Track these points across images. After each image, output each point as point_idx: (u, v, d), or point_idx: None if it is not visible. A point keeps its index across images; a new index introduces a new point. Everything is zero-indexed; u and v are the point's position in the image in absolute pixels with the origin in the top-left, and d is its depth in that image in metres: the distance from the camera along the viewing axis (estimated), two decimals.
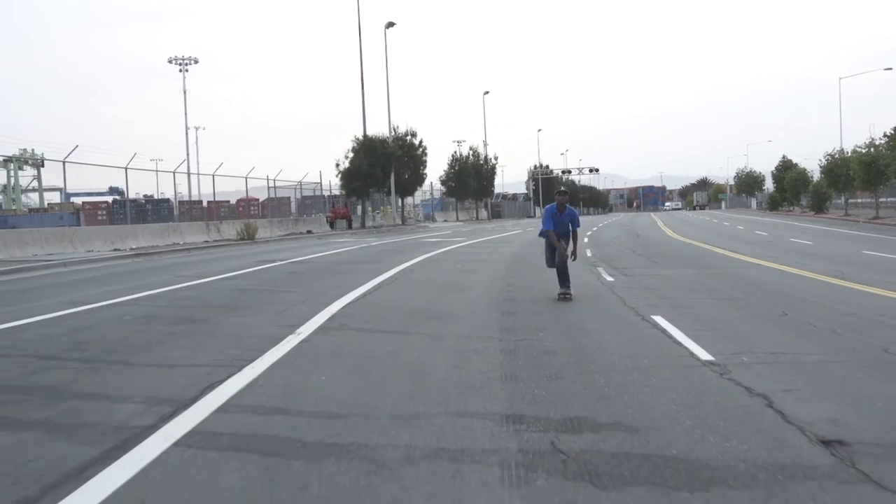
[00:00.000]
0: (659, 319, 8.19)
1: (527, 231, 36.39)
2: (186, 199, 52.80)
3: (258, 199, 55.81)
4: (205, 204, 47.62)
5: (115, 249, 22.39)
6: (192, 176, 56.24)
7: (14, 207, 56.72)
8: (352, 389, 5.25)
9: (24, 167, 62.62)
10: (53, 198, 58.54)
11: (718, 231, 33.76)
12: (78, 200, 58.12)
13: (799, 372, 5.70)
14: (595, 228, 39.57)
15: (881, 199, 44.84)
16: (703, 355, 6.26)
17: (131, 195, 53.17)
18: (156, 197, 54.11)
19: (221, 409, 4.74)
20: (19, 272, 15.54)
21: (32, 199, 63.91)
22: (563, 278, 10.01)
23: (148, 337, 7.49)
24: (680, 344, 6.82)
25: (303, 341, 7.12)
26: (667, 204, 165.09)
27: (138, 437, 4.17)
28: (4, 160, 56.39)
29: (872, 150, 41.35)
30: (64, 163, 26.37)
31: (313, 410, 4.73)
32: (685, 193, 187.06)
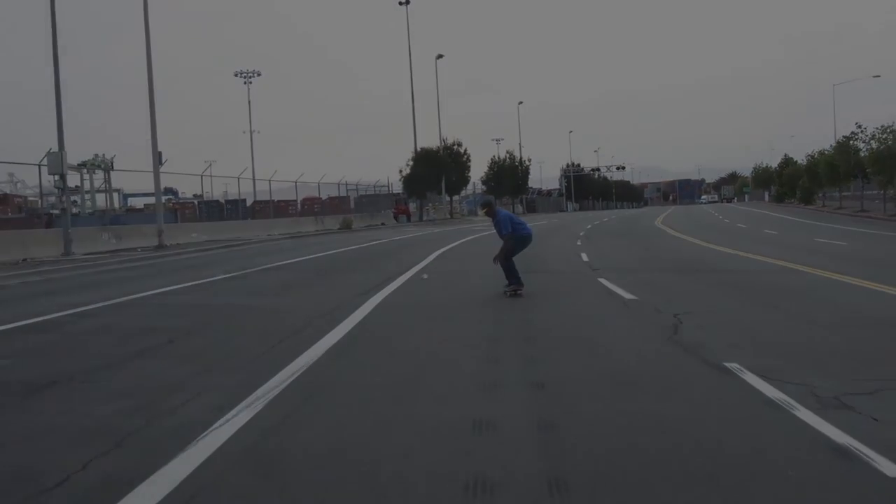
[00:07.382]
0: (582, 254, 18.68)
1: (551, 222, 46.79)
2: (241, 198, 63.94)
3: (320, 198, 66.99)
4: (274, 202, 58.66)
5: (268, 235, 33.57)
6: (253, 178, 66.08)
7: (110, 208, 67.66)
8: (459, 267, 15.97)
9: (97, 171, 73.04)
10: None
11: (697, 220, 43.58)
12: (142, 202, 68.02)
13: (618, 267, 16.15)
14: (605, 219, 49.83)
15: (876, 192, 53.78)
16: (586, 260, 16.82)
17: (181, 195, 63.16)
18: (205, 197, 64.29)
19: (421, 268, 15.46)
20: (240, 246, 26.65)
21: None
22: (508, 274, 11.73)
23: (368, 259, 18.29)
24: (581, 258, 17.37)
25: (431, 260, 17.79)
26: (703, 197, 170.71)
27: (402, 273, 14.81)
28: (79, 165, 66.87)
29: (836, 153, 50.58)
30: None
31: (449, 269, 15.46)
32: (719, 186, 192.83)
